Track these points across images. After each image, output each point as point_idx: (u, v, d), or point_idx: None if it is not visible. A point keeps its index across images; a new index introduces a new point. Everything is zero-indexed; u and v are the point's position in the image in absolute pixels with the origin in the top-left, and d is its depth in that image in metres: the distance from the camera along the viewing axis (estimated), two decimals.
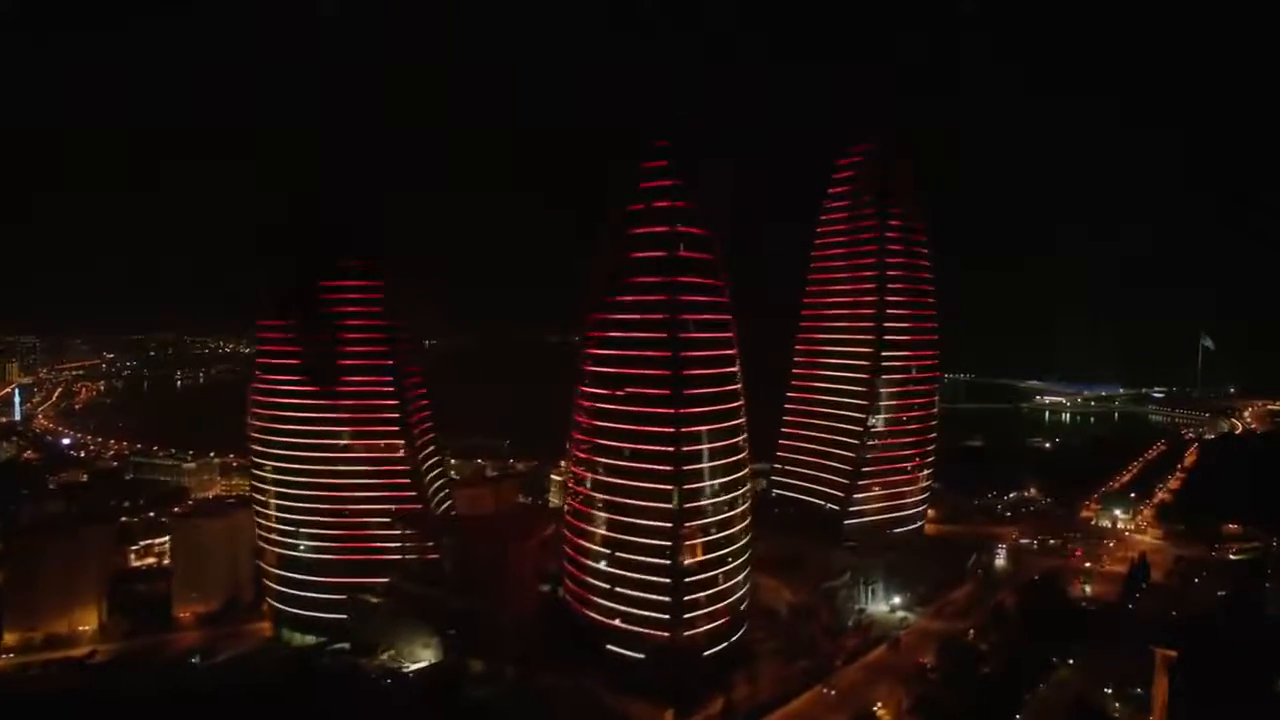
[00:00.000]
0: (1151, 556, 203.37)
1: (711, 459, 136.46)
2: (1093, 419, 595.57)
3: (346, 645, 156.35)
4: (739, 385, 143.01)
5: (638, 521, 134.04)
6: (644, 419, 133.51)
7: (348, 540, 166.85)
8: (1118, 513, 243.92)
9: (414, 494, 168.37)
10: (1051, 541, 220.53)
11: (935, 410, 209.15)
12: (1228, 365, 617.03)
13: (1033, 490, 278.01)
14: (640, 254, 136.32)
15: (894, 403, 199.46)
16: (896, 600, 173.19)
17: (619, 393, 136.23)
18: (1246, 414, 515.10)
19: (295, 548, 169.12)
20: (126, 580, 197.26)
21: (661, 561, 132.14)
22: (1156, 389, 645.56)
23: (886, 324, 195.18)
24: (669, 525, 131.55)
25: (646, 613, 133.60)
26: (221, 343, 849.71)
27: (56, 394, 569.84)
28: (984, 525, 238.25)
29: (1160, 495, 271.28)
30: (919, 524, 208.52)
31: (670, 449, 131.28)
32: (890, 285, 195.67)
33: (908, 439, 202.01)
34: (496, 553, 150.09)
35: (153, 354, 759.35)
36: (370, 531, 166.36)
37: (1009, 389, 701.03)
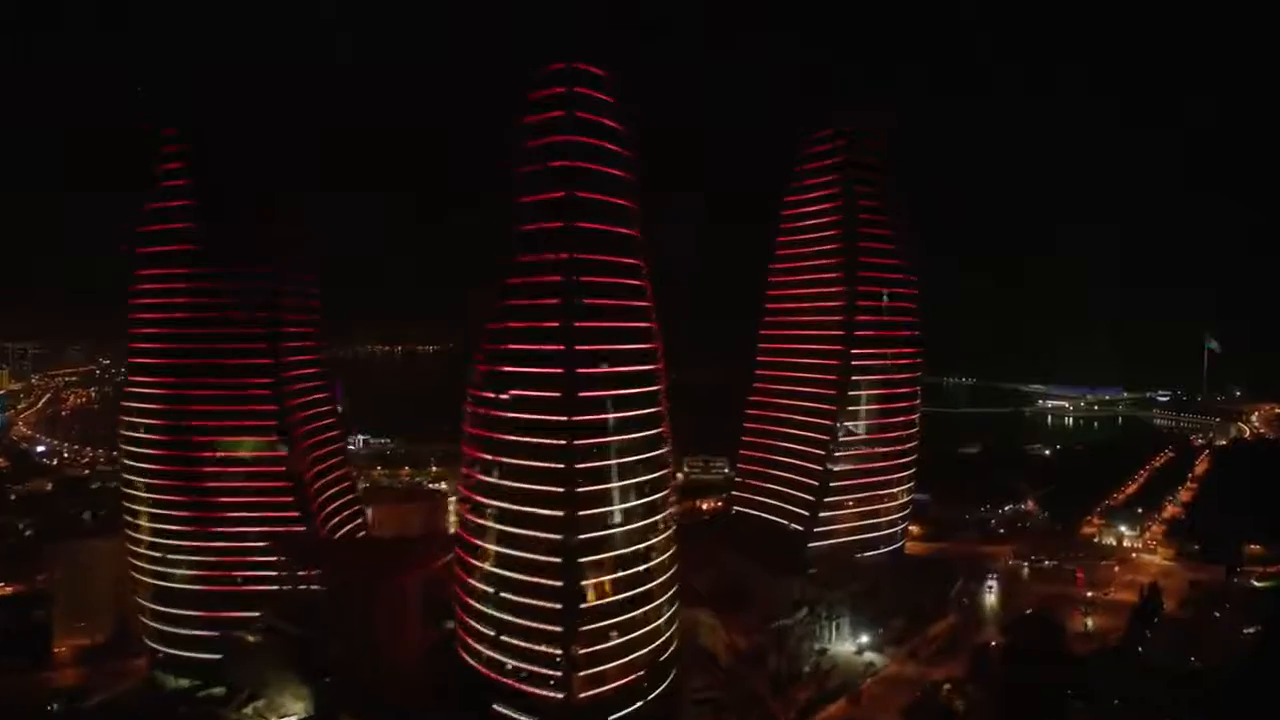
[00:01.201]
0: (1163, 581, 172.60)
1: (622, 475, 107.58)
2: (1096, 423, 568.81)
3: (222, 690, 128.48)
4: (658, 386, 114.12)
5: (523, 555, 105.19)
6: (532, 427, 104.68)
7: (222, 568, 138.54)
8: (1123, 529, 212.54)
9: (297, 513, 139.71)
10: (1048, 563, 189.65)
11: (917, 416, 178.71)
12: (1231, 366, 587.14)
13: (1030, 503, 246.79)
14: (529, 198, 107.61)
15: (868, 407, 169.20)
16: (864, 639, 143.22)
17: (503, 396, 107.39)
18: (1254, 418, 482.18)
19: (167, 576, 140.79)
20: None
21: (550, 605, 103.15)
22: (1161, 392, 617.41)
23: (857, 318, 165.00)
24: (560, 558, 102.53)
25: (537, 666, 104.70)
26: None
27: (43, 401, 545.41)
28: (974, 543, 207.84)
29: (1169, 509, 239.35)
30: (898, 544, 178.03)
31: (561, 465, 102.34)
32: (861, 274, 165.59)
33: (884, 448, 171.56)
34: (372, 586, 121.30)
35: None
36: (248, 559, 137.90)
37: (1011, 393, 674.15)
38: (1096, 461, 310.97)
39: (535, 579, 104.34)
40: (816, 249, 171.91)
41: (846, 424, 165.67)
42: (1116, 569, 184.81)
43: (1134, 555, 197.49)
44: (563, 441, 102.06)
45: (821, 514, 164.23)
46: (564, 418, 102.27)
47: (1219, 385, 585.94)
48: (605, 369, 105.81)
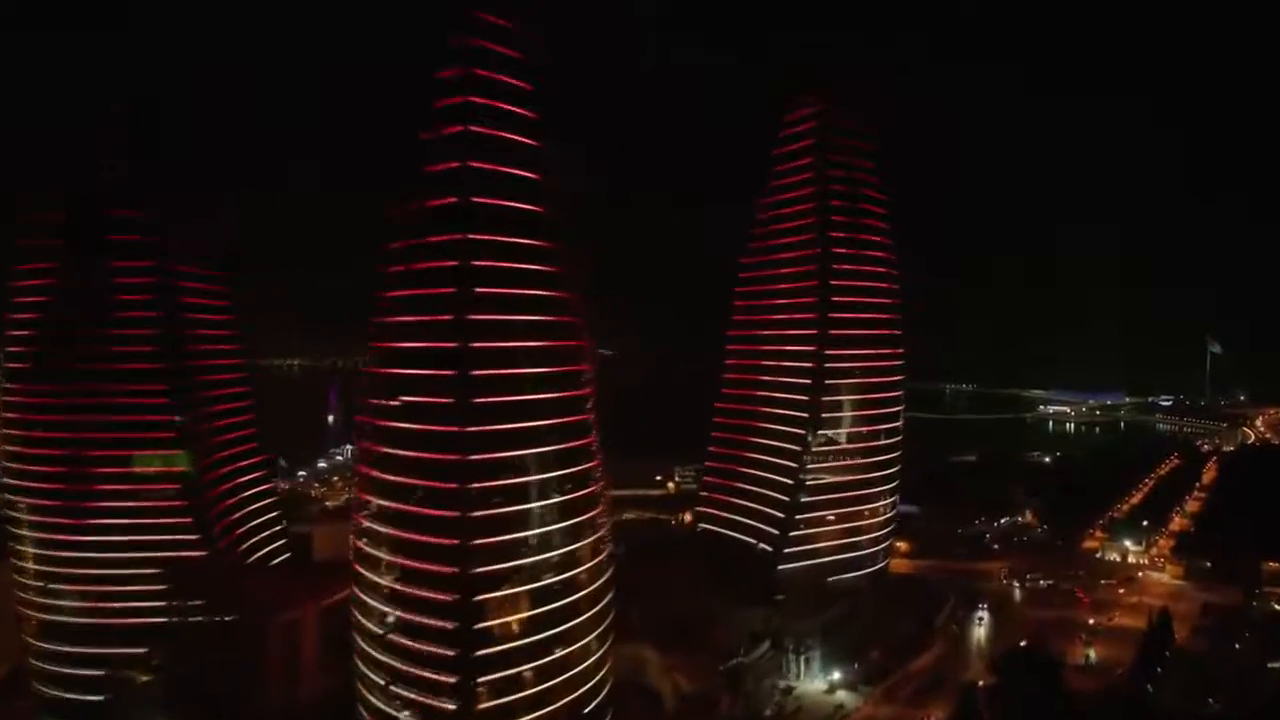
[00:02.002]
0: (1172, 605, 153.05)
1: (536, 495, 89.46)
2: (1098, 429, 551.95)
3: None
4: (582, 391, 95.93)
5: (414, 591, 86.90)
6: (425, 440, 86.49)
7: (110, 599, 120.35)
8: (1128, 544, 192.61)
9: (196, 535, 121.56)
10: (1043, 583, 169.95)
11: (900, 423, 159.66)
12: (1233, 368, 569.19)
13: (1029, 515, 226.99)
14: (426, 203, 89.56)
15: (845, 414, 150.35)
16: (836, 675, 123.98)
17: (394, 402, 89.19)
18: (1259, 422, 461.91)
19: (53, 609, 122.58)
20: None
21: (443, 651, 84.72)
22: (1163, 397, 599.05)
23: (831, 315, 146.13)
24: (454, 594, 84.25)
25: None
26: None
27: None
28: (966, 561, 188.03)
29: (1177, 521, 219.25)
30: (880, 564, 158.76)
31: (453, 485, 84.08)
32: (836, 267, 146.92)
33: (864, 458, 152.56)
34: (259, 622, 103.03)
35: None
36: (139, 587, 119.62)
37: (1012, 399, 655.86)
38: (1098, 469, 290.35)
39: (427, 619, 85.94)
40: (788, 239, 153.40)
41: (820, 432, 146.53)
42: (1121, 591, 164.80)
43: (1139, 574, 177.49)
44: (455, 456, 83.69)
45: (792, 533, 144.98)
46: (456, 429, 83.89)
47: (1222, 389, 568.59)
48: (510, 372, 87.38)
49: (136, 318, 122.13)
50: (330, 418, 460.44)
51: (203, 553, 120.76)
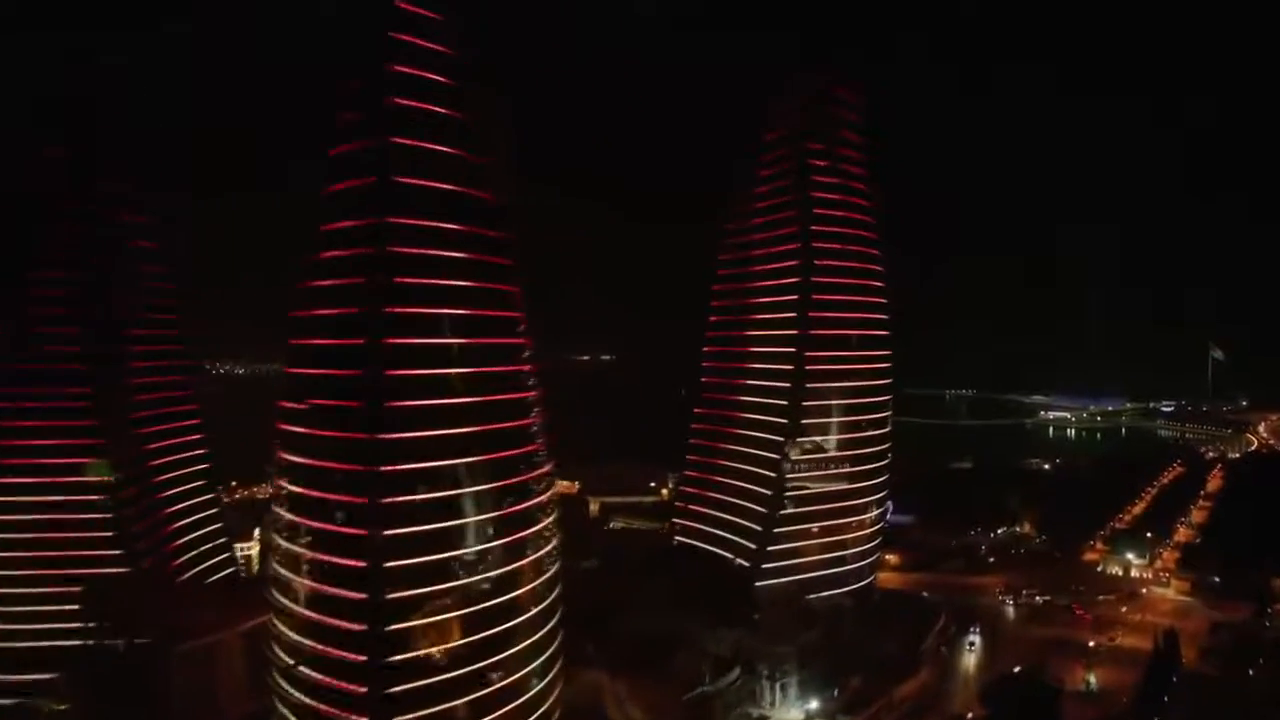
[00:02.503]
0: (1179, 622, 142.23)
1: (465, 510, 78.72)
2: (1099, 435, 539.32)
3: None
4: (523, 394, 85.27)
5: (324, 619, 76.08)
6: (332, 448, 75.82)
7: (21, 620, 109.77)
8: (1130, 557, 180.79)
9: (119, 551, 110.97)
10: (1039, 599, 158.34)
11: (888, 430, 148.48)
12: (1233, 372, 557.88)
13: (1026, 525, 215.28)
14: (340, 186, 79.09)
15: (828, 420, 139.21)
16: (814, 704, 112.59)
17: (302, 406, 78.58)
18: (1261, 428, 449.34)
19: None
20: None
21: (354, 689, 73.78)
22: (1165, 402, 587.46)
23: (812, 315, 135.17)
24: (364, 624, 73.38)
25: None
26: (219, 364, 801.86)
27: None
28: (960, 574, 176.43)
29: (1182, 532, 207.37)
30: (867, 580, 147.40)
31: (363, 499, 73.29)
32: (818, 263, 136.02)
33: (849, 467, 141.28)
34: (169, 646, 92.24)
35: None
36: (51, 608, 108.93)
37: (1012, 404, 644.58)
38: (1099, 477, 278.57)
39: (337, 651, 75.10)
40: (766, 234, 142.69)
41: (800, 439, 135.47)
42: (1124, 609, 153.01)
43: (1143, 590, 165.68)
44: (363, 468, 72.96)
45: (770, 547, 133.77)
46: (366, 436, 73.17)
47: (1223, 394, 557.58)
48: (432, 372, 76.70)
49: (60, 315, 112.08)
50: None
51: (125, 570, 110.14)
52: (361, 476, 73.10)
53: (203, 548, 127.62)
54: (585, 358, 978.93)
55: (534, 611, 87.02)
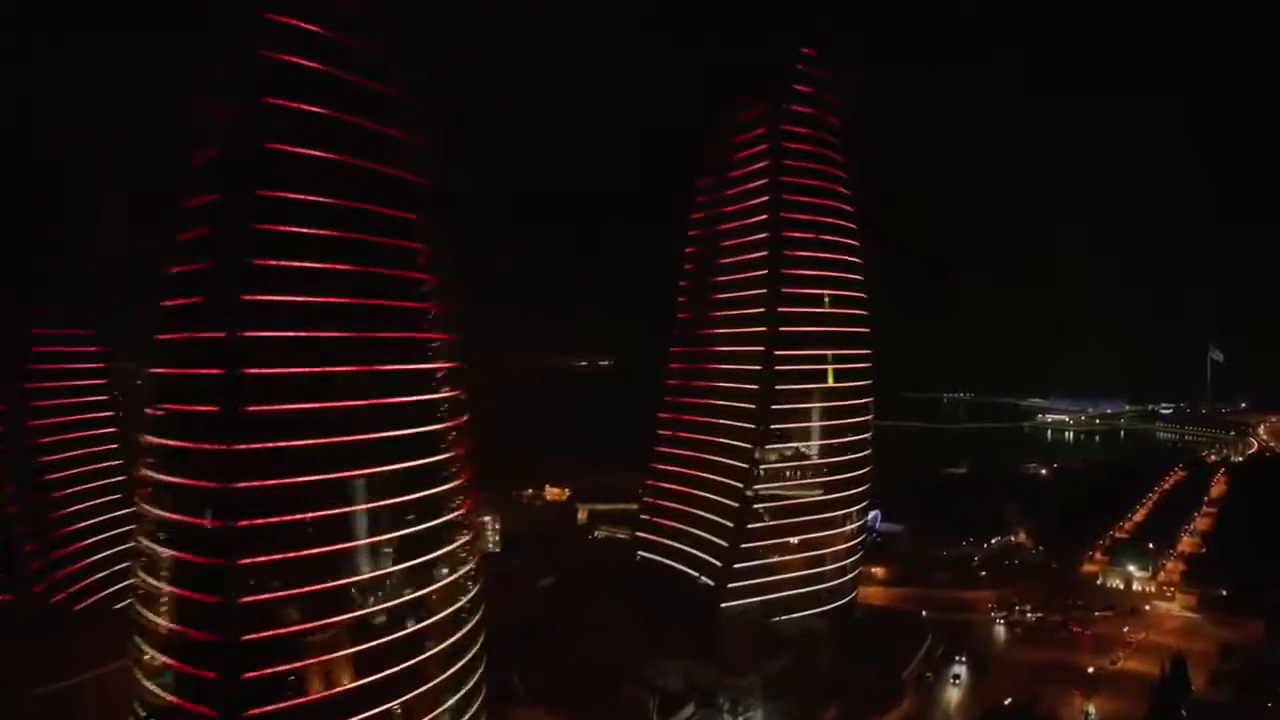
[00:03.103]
0: (1186, 643, 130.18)
1: (365, 531, 66.34)
2: (1098, 438, 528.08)
3: None
4: (435, 394, 72.96)
5: (171, 664, 63.47)
6: (186, 461, 63.38)
7: None
8: (1131, 569, 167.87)
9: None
10: (1031, 616, 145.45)
11: (868, 434, 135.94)
12: (1231, 375, 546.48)
13: (1022, 535, 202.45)
14: (203, 155, 66.77)
15: (802, 424, 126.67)
16: None
17: (158, 412, 66.10)
18: (1262, 430, 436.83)
19: None
20: None
21: None
22: (1163, 405, 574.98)
23: (782, 310, 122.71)
24: (217, 670, 60.81)
25: None
26: None
27: None
28: (950, 588, 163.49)
29: (1185, 541, 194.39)
30: (846, 597, 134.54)
31: (219, 522, 60.83)
32: (789, 254, 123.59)
33: (825, 475, 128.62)
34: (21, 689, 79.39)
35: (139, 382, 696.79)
36: None
37: (1010, 407, 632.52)
38: (1098, 482, 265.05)
39: (189, 705, 62.48)
40: (734, 224, 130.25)
41: (770, 445, 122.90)
42: (1126, 629, 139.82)
43: (1146, 606, 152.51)
44: (216, 484, 60.47)
45: (736, 564, 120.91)
46: (221, 446, 60.67)
47: (1222, 396, 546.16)
48: (307, 371, 64.23)
49: None
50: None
51: (6, 597, 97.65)
52: (215, 494, 60.56)
53: (111, 570, 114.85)
54: (584, 363, 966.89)
55: (446, 645, 74.71)
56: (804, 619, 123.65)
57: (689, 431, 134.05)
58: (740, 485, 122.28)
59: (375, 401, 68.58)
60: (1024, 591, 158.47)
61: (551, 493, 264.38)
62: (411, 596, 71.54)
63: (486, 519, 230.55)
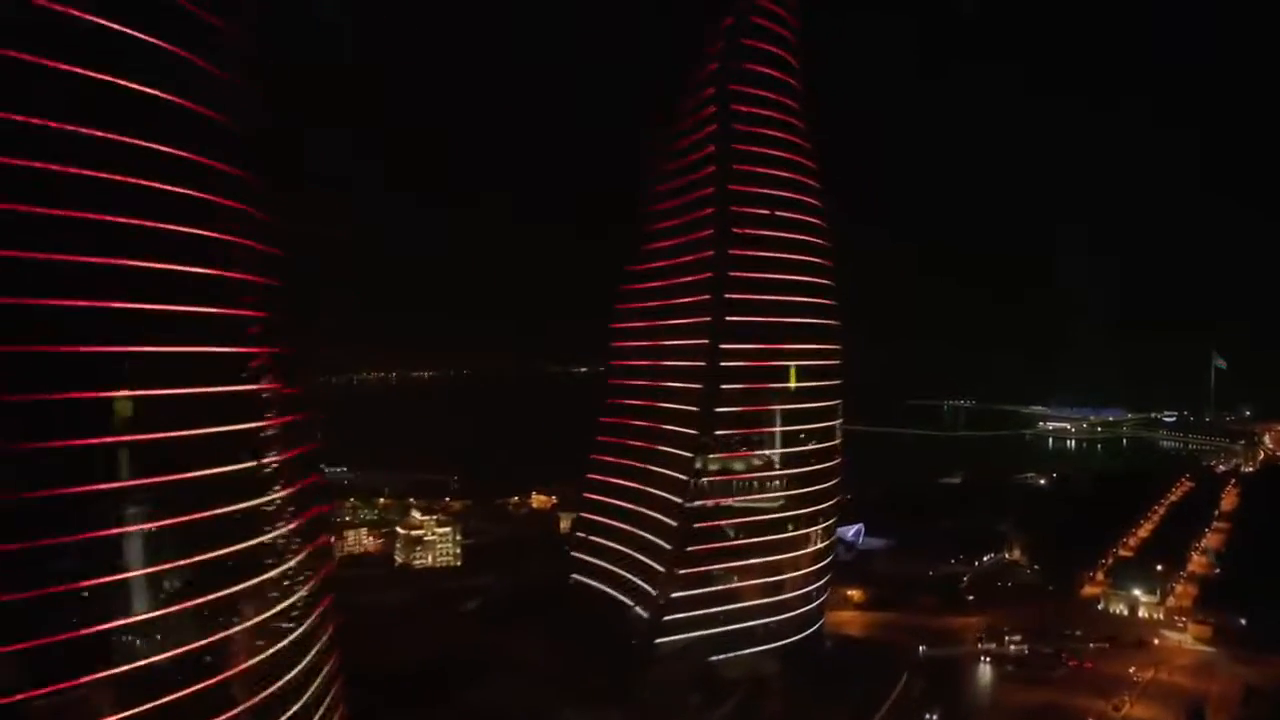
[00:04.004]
0: (1202, 683, 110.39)
1: (145, 554, 47.68)
2: (1100, 446, 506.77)
3: None
4: (241, 383, 54.21)
5: None
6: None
7: None
8: (1137, 593, 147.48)
9: None
10: (1026, 648, 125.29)
11: (837, 441, 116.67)
12: (1232, 381, 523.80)
13: (1016, 552, 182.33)
14: None
15: (754, 430, 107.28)
16: None
17: None
18: (1267, 439, 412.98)
19: None
20: None
21: None
22: (1166, 413, 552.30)
23: (728, 296, 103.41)
24: None
25: None
26: None
27: None
28: (935, 614, 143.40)
29: (1196, 560, 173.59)
30: (812, 627, 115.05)
31: None
32: (736, 231, 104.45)
33: (785, 489, 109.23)
34: None
35: None
36: None
37: (1011, 415, 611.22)
38: (1100, 494, 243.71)
39: None
40: (679, 199, 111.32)
41: (713, 455, 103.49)
42: (1133, 669, 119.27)
43: (1155, 639, 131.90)
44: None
45: (676, 592, 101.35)
46: None
47: (1226, 404, 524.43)
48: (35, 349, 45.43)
49: None
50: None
51: None
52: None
53: None
54: (584, 369, 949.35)
55: (256, 699, 55.79)
56: (754, 657, 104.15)
57: (628, 437, 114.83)
58: (677, 501, 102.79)
59: (137, 392, 50.10)
60: (1017, 618, 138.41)
61: (539, 500, 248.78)
62: (207, 641, 52.91)
63: (445, 530, 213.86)
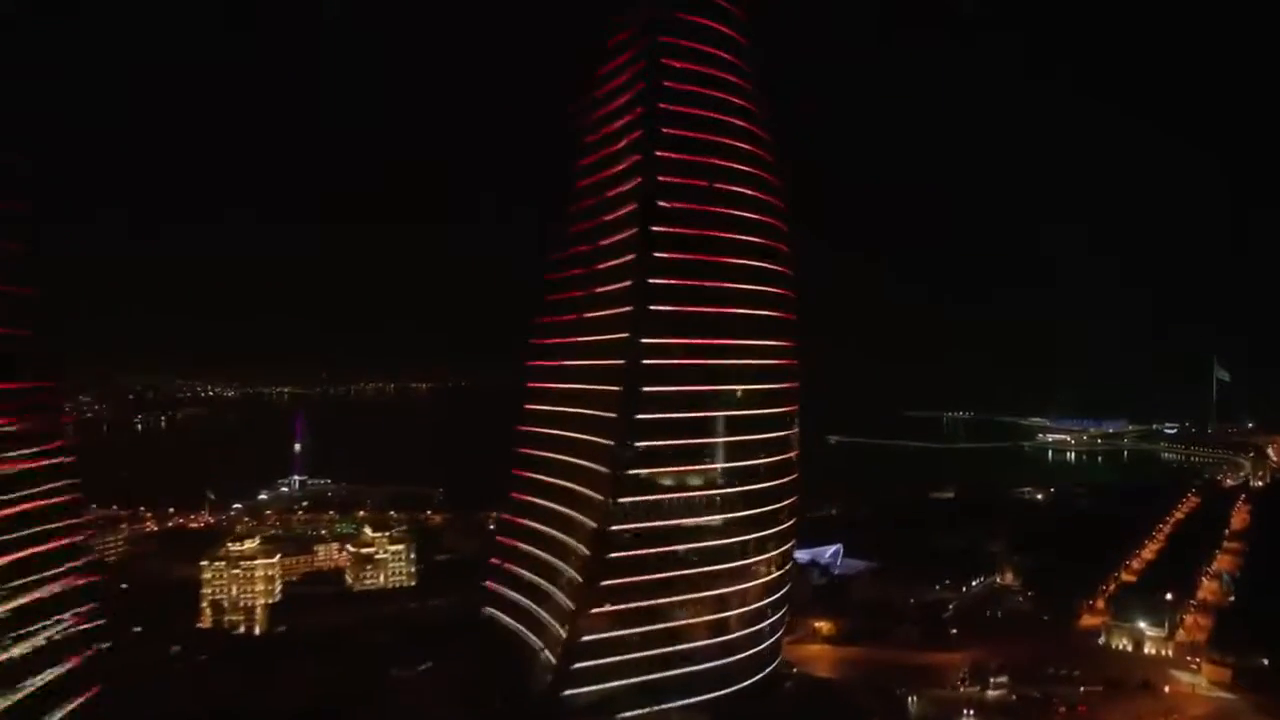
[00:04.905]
0: None
1: None
2: (1100, 458, 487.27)
3: None
4: None
5: None
6: None
7: None
8: (1143, 625, 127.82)
9: None
10: (1004, 689, 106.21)
11: (792, 454, 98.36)
12: (1233, 391, 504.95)
13: (1009, 575, 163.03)
14: None
15: (691, 441, 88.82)
16: None
17: None
18: (1270, 451, 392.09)
19: None
20: None
21: None
22: (1168, 424, 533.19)
23: (652, 282, 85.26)
24: None
25: None
26: (210, 386, 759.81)
27: None
28: (915, 649, 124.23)
29: (1206, 587, 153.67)
30: (766, 669, 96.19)
31: None
32: (664, 205, 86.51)
33: (728, 511, 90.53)
34: None
35: (131, 397, 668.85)
36: None
37: (1011, 427, 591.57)
38: (1101, 510, 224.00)
39: None
40: (598, 175, 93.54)
41: (632, 471, 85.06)
42: None
43: (1164, 683, 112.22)
44: None
45: (589, 633, 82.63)
46: None
47: (1228, 415, 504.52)
48: None
49: None
50: (296, 446, 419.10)
51: None
52: None
53: None
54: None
55: None
56: (690, 710, 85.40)
57: (541, 448, 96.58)
58: (591, 525, 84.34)
59: None
60: (1006, 653, 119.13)
61: None
62: None
63: (399, 548, 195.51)
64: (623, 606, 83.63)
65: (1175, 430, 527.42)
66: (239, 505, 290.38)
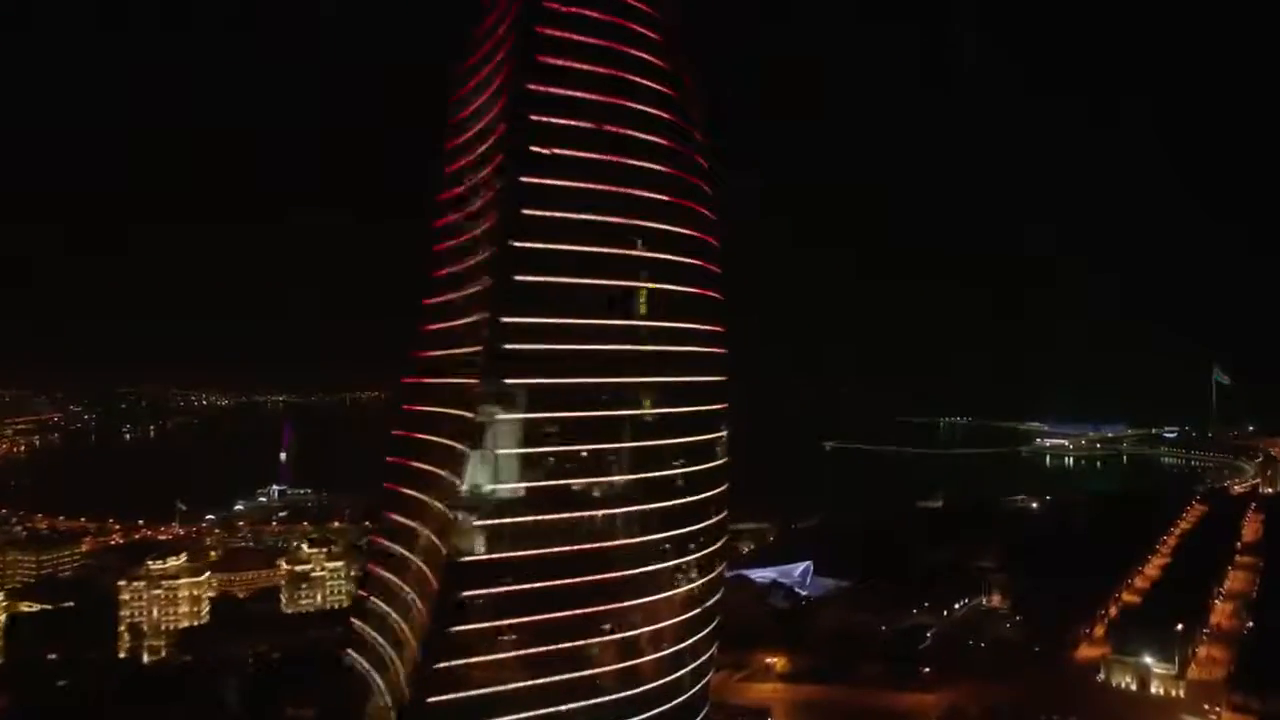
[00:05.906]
0: None
1: None
2: (1099, 463, 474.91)
3: None
4: None
5: None
6: None
7: None
8: (1148, 659, 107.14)
9: None
10: None
11: (721, 461, 78.83)
12: (1236, 397, 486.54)
13: (997, 596, 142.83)
14: None
15: (581, 446, 69.18)
16: None
17: None
18: (1276, 454, 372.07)
19: None
20: None
21: None
22: (1168, 428, 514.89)
23: (522, 244, 65.85)
24: None
25: None
26: (204, 395, 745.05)
27: None
28: (882, 688, 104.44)
29: (1220, 610, 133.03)
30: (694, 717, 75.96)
31: None
32: (533, 150, 67.13)
33: (633, 533, 70.69)
34: None
35: (124, 406, 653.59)
36: None
37: (1008, 432, 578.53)
38: (1100, 520, 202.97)
39: None
40: (477, 177, 74.30)
41: (499, 483, 65.47)
42: None
43: None
44: None
45: (434, 691, 62.73)
46: None
47: (1228, 419, 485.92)
48: None
49: None
50: (282, 455, 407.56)
51: None
52: None
53: None
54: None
55: None
56: None
57: (408, 459, 77.09)
58: (453, 545, 64.52)
59: None
60: (990, 693, 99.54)
61: None
62: None
63: (337, 565, 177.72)
64: (482, 659, 63.84)
65: (1175, 434, 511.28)
66: (211, 516, 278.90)
